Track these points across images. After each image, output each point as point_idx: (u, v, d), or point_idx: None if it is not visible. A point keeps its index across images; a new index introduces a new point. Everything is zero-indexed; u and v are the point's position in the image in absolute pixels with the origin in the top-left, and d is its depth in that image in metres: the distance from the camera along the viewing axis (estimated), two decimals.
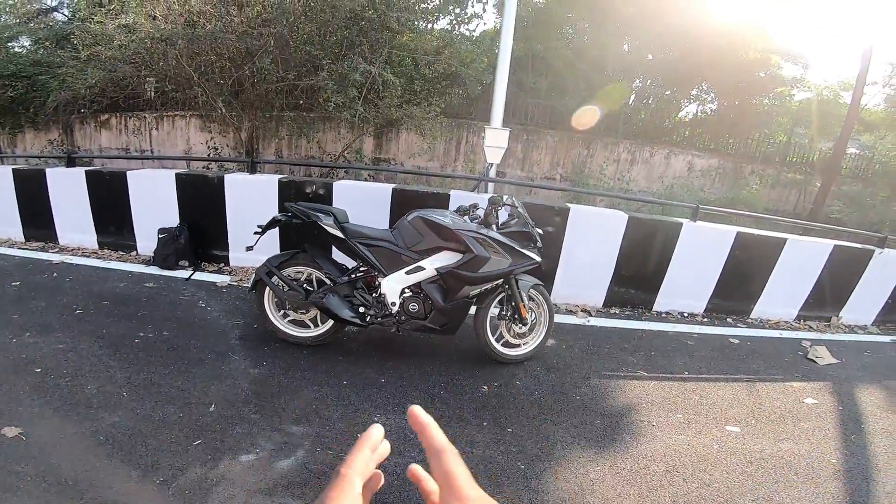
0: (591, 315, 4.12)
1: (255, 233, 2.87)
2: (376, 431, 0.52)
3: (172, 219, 4.38)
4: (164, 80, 7.44)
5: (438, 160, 10.57)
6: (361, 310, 2.87)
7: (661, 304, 4.39)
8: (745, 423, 2.74)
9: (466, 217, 2.97)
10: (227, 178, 4.13)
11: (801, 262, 4.42)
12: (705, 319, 4.37)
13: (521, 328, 3.02)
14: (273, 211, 4.00)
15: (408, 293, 2.85)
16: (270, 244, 4.11)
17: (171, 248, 4.24)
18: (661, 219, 4.32)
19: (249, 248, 2.90)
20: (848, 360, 3.74)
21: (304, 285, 2.93)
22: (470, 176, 4.12)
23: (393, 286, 2.81)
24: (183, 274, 4.14)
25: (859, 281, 4.55)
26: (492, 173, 4.33)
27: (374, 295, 2.89)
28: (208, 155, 8.89)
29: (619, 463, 2.32)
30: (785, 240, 4.34)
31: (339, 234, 2.79)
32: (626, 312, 4.30)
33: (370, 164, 9.87)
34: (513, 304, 2.95)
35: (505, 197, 3.04)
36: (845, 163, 11.32)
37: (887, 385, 3.42)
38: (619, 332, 3.83)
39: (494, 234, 2.78)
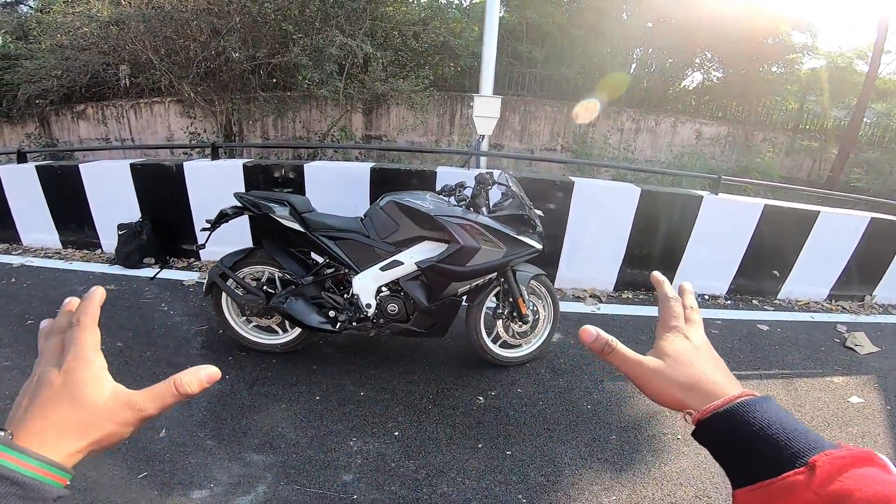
0: (601, 301, 3.70)
1: (204, 229, 2.46)
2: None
3: (134, 213, 3.98)
4: (130, 66, 6.98)
5: (432, 135, 10.04)
6: (332, 314, 2.47)
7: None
8: None
9: (452, 198, 2.52)
10: (187, 165, 3.71)
11: (834, 237, 3.94)
12: (729, 302, 3.94)
13: (521, 326, 2.62)
14: None
15: (385, 292, 2.45)
16: (243, 235, 3.72)
17: (133, 245, 3.85)
18: (678, 192, 3.85)
19: (201, 247, 2.49)
20: (889, 348, 3.30)
21: (265, 287, 2.53)
22: (459, 150, 3.69)
23: (366, 285, 2.40)
24: (149, 273, 3.76)
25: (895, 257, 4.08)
26: (484, 146, 3.86)
27: (345, 296, 2.49)
28: (190, 141, 8.43)
29: (640, 489, 1.94)
30: (817, 213, 3.85)
31: (298, 227, 2.37)
32: (641, 297, 3.88)
33: (360, 142, 9.38)
34: (510, 299, 2.54)
35: (496, 173, 2.59)
36: (861, 130, 11.08)
37: None
38: (633, 320, 3.41)
39: (484, 218, 2.35)
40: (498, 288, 2.57)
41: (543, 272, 2.65)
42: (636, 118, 10.66)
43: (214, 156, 3.78)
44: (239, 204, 2.43)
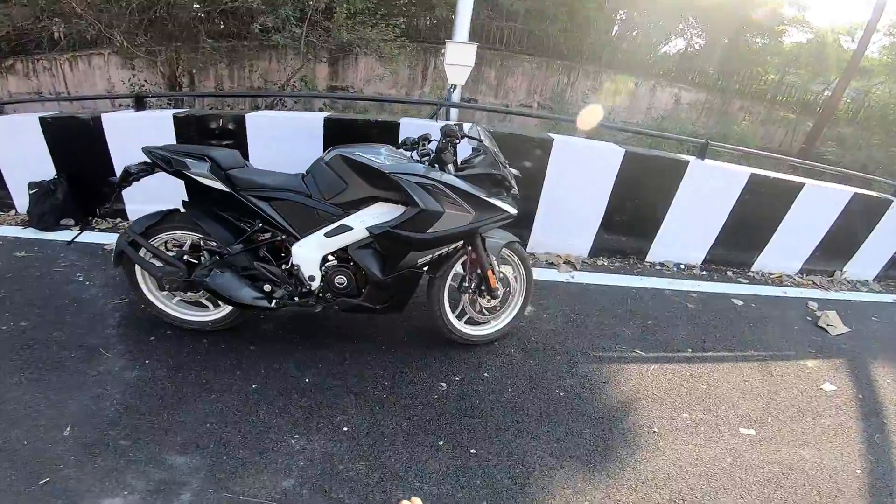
0: (575, 268, 3.48)
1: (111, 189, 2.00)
2: None
3: (49, 170, 3.38)
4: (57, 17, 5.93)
5: (403, 87, 9.36)
6: (268, 288, 2.10)
7: (655, 253, 3.79)
8: (760, 423, 2.23)
9: (414, 153, 2.13)
10: (105, 117, 3.11)
11: (815, 210, 3.82)
12: (703, 273, 3.81)
13: (489, 301, 2.34)
14: None
15: (332, 262, 2.08)
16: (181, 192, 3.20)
17: (48, 206, 3.29)
18: (664, 155, 3.57)
19: (106, 210, 2.05)
20: (858, 328, 3.26)
21: (186, 257, 2.12)
22: (428, 100, 3.23)
23: (309, 254, 2.03)
24: (66, 236, 3.21)
25: (871, 233, 4.03)
26: (455, 97, 3.40)
27: (284, 267, 2.11)
28: (132, 92, 7.42)
29: (615, 492, 1.77)
30: (802, 184, 3.69)
31: (220, 186, 1.95)
32: (616, 264, 3.69)
33: (323, 93, 8.57)
34: (478, 270, 2.24)
35: (467, 126, 2.20)
36: (839, 106, 11.32)
37: None
38: (608, 291, 3.21)
39: (450, 177, 1.99)
40: (465, 257, 2.26)
41: (517, 239, 2.35)
42: (615, 79, 10.49)
43: (139, 107, 3.16)
44: (149, 160, 1.97)
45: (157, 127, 3.07)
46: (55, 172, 3.39)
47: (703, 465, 1.95)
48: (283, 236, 2.06)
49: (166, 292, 2.20)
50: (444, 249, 2.11)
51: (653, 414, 2.17)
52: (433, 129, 2.58)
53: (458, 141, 2.06)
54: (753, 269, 3.98)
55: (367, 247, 2.02)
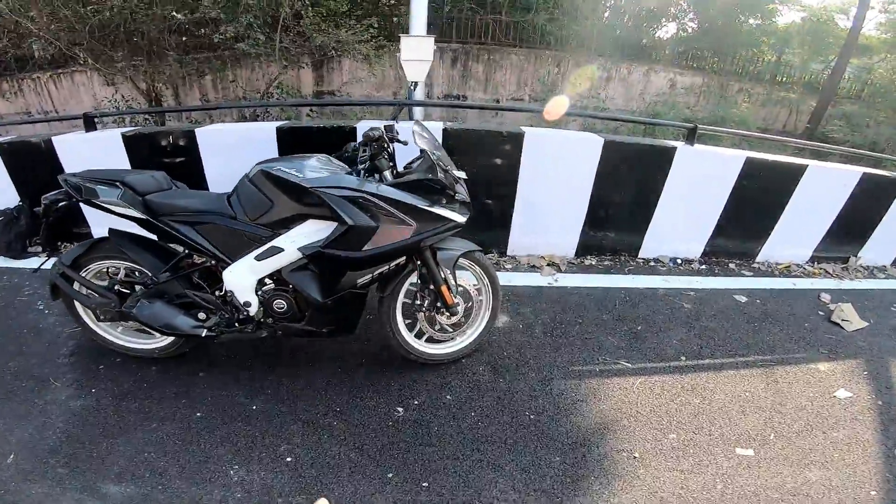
0: (559, 270, 3.23)
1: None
2: None
3: (13, 197, 3.30)
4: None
5: (390, 87, 9.15)
6: (202, 316, 1.93)
7: (648, 249, 3.51)
8: (760, 441, 1.95)
9: (359, 163, 1.93)
10: (56, 140, 2.99)
11: (821, 194, 3.49)
12: (703, 267, 3.51)
13: (449, 318, 2.12)
14: None
15: (269, 285, 1.90)
16: None
17: (13, 234, 3.22)
18: (647, 142, 3.29)
19: (38, 243, 1.94)
20: (878, 322, 2.93)
21: (117, 287, 1.97)
22: (387, 101, 2.99)
23: (240, 279, 1.85)
24: (36, 263, 3.11)
25: (885, 215, 3.67)
26: (418, 94, 3.19)
27: (218, 293, 1.94)
28: (118, 109, 7.38)
29: None
30: (805, 166, 3.37)
31: (134, 213, 1.79)
32: (606, 262, 3.42)
33: (313, 99, 8.45)
34: (431, 286, 2.03)
35: (400, 125, 2.01)
36: (840, 84, 11.12)
37: None
38: (594, 294, 2.96)
39: (385, 188, 1.78)
40: (415, 273, 2.04)
41: (476, 247, 2.11)
42: (607, 66, 10.23)
43: (88, 128, 3.03)
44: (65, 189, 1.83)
45: (108, 147, 2.93)
46: (18, 199, 3.31)
47: (689, 494, 1.69)
48: (214, 261, 1.89)
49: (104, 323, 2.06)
50: (385, 267, 1.91)
51: (635, 436, 1.92)
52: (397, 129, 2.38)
53: (387, 145, 1.85)
54: (758, 259, 3.67)
55: (301, 269, 1.84)
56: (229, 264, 1.84)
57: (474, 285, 2.20)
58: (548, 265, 3.28)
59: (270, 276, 1.88)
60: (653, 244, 3.50)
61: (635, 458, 1.82)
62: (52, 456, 1.73)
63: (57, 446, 1.77)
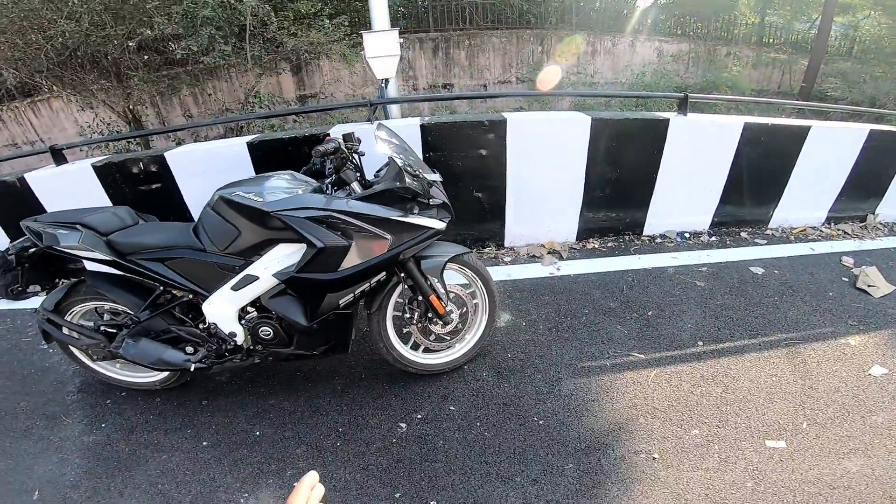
0: (561, 258, 3.09)
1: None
2: (311, 477, 0.58)
3: (4, 239, 3.24)
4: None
5: (373, 85, 8.96)
6: (190, 350, 1.85)
7: (652, 225, 3.36)
8: (793, 431, 1.81)
9: (326, 177, 1.81)
10: (29, 177, 2.89)
11: (829, 154, 3.32)
12: (714, 239, 3.34)
13: (444, 327, 2.01)
14: (103, 203, 2.83)
15: (252, 313, 1.80)
16: None
17: (10, 277, 3.13)
18: (637, 116, 3.10)
19: (18, 290, 1.88)
20: None
21: (102, 328, 1.90)
22: (357, 102, 2.82)
23: (220, 311, 1.75)
24: (37, 302, 3.09)
25: None
26: (390, 91, 3.03)
27: (202, 326, 1.85)
28: (91, 135, 7.25)
29: None
30: (808, 128, 3.19)
31: (99, 256, 1.70)
32: (609, 244, 3.27)
33: (295, 105, 8.30)
34: (419, 297, 1.91)
35: (354, 132, 1.89)
36: (829, 42, 10.90)
37: None
38: (600, 280, 2.81)
39: (352, 203, 1.65)
40: (402, 285, 1.93)
41: (465, 249, 1.98)
42: (591, 40, 10.08)
43: (57, 160, 2.92)
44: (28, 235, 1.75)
45: (81, 180, 2.82)
46: (9, 240, 3.25)
47: (716, 494, 1.57)
48: (190, 295, 1.80)
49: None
50: (366, 285, 1.79)
51: (654, 435, 1.79)
52: (362, 134, 2.23)
53: (345, 155, 1.72)
54: (771, 225, 3.49)
55: (280, 294, 1.74)
56: (207, 297, 1.75)
57: (467, 289, 2.08)
58: (549, 253, 3.14)
59: (252, 303, 1.78)
60: (657, 220, 3.34)
61: (655, 459, 1.70)
62: (73, 490, 1.74)
63: (77, 481, 1.78)
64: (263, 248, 1.67)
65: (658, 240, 3.32)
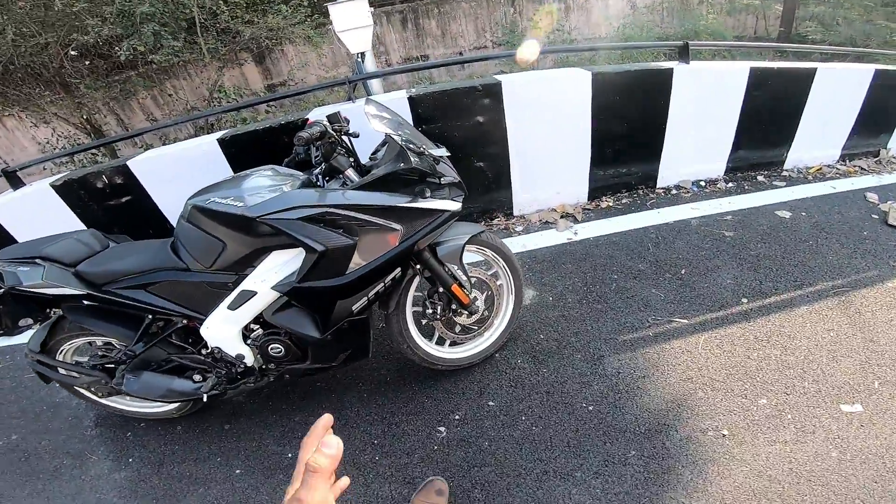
0: (576, 220, 2.90)
1: None
2: (325, 419, 0.55)
3: None
4: None
5: (345, 64, 8.48)
6: (198, 378, 1.64)
7: (665, 177, 3.18)
8: (865, 391, 1.66)
9: (317, 169, 1.56)
10: None
11: (838, 94, 3.23)
12: (731, 185, 3.17)
13: (469, 317, 1.82)
14: (73, 225, 2.54)
15: (257, 331, 1.58)
16: None
17: None
18: (640, 67, 2.85)
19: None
20: None
21: (102, 363, 1.68)
22: (332, 82, 2.51)
23: (221, 334, 1.52)
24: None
25: None
26: (368, 65, 2.71)
27: (205, 351, 1.63)
28: (52, 150, 6.75)
29: None
30: (814, 69, 3.05)
31: (69, 291, 1.45)
32: (624, 200, 3.08)
33: (264, 95, 7.81)
34: (439, 290, 1.71)
35: (340, 111, 1.62)
36: None
37: None
38: (622, 240, 2.63)
39: (350, 193, 1.41)
40: (418, 278, 1.72)
41: (480, 228, 1.76)
42: None
43: (13, 184, 2.59)
44: None
45: (43, 202, 2.49)
46: None
47: (801, 468, 1.43)
48: (185, 320, 1.57)
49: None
50: (381, 285, 1.56)
51: (718, 409, 1.65)
52: (353, 114, 1.96)
53: (334, 139, 1.47)
54: (786, 167, 3.35)
55: (285, 308, 1.50)
56: (203, 319, 1.51)
57: (488, 270, 1.88)
58: (562, 217, 2.95)
59: (256, 320, 1.55)
60: (670, 172, 3.16)
61: (725, 435, 1.55)
62: None
63: None
64: (255, 258, 1.43)
65: (674, 191, 3.14)
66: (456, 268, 1.68)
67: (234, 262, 1.43)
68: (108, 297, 1.47)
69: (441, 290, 1.69)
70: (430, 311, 1.74)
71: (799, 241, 2.48)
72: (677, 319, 2.04)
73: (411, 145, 1.46)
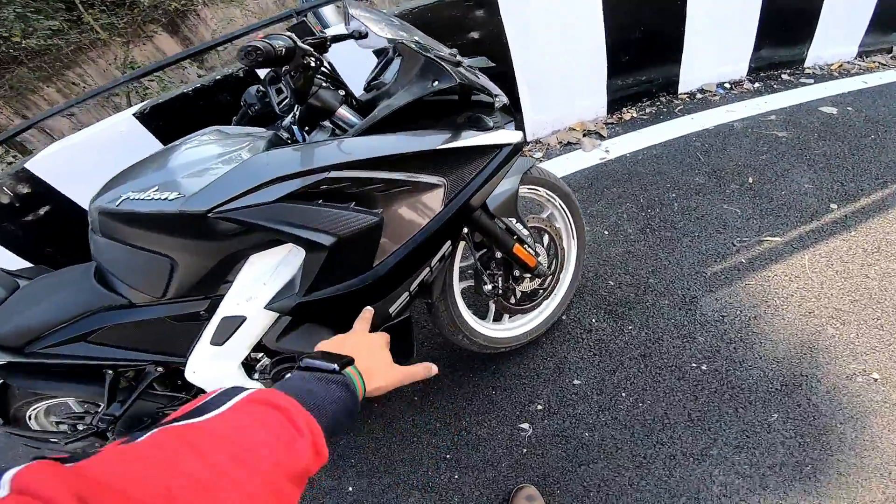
0: (602, 137, 2.50)
1: None
2: (367, 312, 0.75)
3: None
4: None
5: (275, 10, 7.23)
6: None
7: (687, 82, 2.81)
8: None
9: (287, 118, 1.00)
10: None
11: None
12: (757, 84, 2.82)
13: (532, 280, 1.40)
14: None
15: (263, 360, 1.10)
16: None
17: None
18: None
19: None
20: None
21: (78, 424, 1.28)
22: (274, 17, 1.86)
23: (214, 374, 1.03)
24: None
25: None
26: None
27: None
28: None
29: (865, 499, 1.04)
30: None
31: None
32: (648, 110, 2.69)
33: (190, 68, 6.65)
34: (497, 256, 1.28)
35: (308, 21, 1.21)
36: None
37: None
38: (665, 153, 2.26)
39: (354, 141, 0.89)
40: (462, 244, 1.27)
41: (530, 162, 1.31)
42: None
43: None
44: None
45: None
46: None
47: None
48: (159, 368, 1.08)
49: None
50: (426, 270, 1.07)
51: (857, 347, 1.36)
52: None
53: (312, 62, 0.88)
54: (807, 64, 3.05)
55: (291, 328, 1.01)
56: (184, 363, 1.03)
57: (542, 213, 1.45)
58: (584, 136, 2.54)
59: (258, 347, 1.07)
60: (691, 76, 2.79)
61: (876, 380, 1.28)
62: None
63: None
64: (227, 271, 0.93)
65: (699, 95, 2.76)
66: (514, 221, 1.24)
67: (196, 284, 0.93)
68: (39, 363, 0.96)
69: (498, 255, 1.26)
70: (490, 285, 1.30)
71: (860, 137, 2.18)
72: (768, 238, 1.73)
73: (436, 54, 0.94)
